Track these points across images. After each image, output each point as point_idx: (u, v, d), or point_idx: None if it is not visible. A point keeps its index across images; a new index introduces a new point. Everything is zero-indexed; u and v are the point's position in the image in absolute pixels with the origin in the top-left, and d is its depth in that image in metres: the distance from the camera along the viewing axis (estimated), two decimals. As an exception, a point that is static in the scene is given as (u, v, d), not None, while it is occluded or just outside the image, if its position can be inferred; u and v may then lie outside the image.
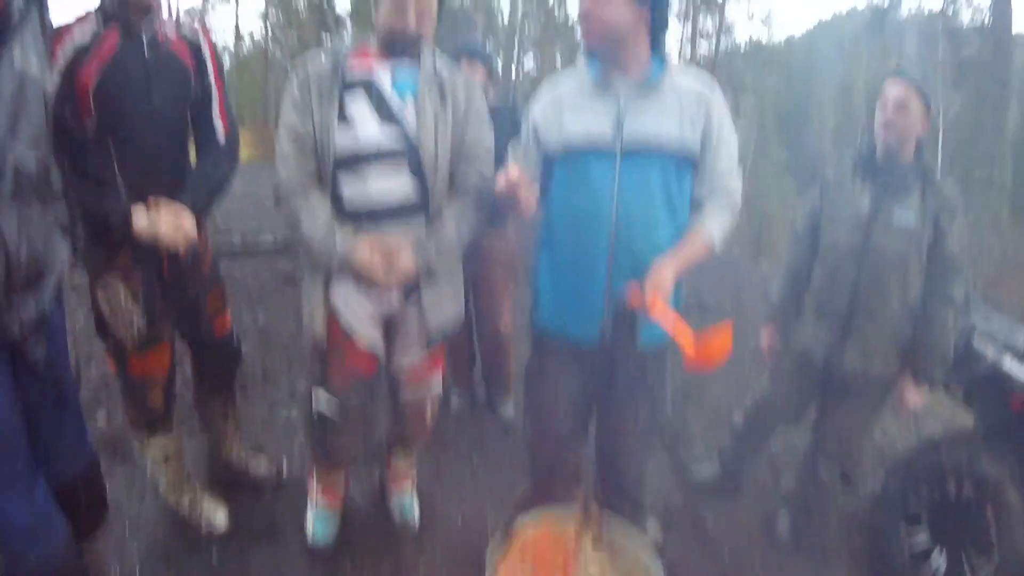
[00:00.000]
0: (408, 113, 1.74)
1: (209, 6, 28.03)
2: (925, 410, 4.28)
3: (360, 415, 1.97)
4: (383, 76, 1.76)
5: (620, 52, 1.63)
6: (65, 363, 1.46)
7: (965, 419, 2.64)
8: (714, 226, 1.72)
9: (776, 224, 23.60)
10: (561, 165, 1.72)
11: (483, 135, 1.85)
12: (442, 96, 1.78)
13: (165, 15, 1.85)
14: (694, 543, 2.47)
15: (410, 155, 1.74)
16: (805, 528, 2.56)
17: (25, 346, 1.24)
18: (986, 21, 15.62)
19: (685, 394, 3.74)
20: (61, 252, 1.34)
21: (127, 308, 1.84)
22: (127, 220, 1.70)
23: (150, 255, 1.84)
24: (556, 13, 27.20)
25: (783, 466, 3.12)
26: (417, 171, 1.75)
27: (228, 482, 2.42)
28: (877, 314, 2.20)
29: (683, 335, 1.45)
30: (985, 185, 13.94)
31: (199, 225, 1.85)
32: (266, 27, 30.45)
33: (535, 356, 1.92)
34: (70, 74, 1.68)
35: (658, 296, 1.49)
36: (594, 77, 1.68)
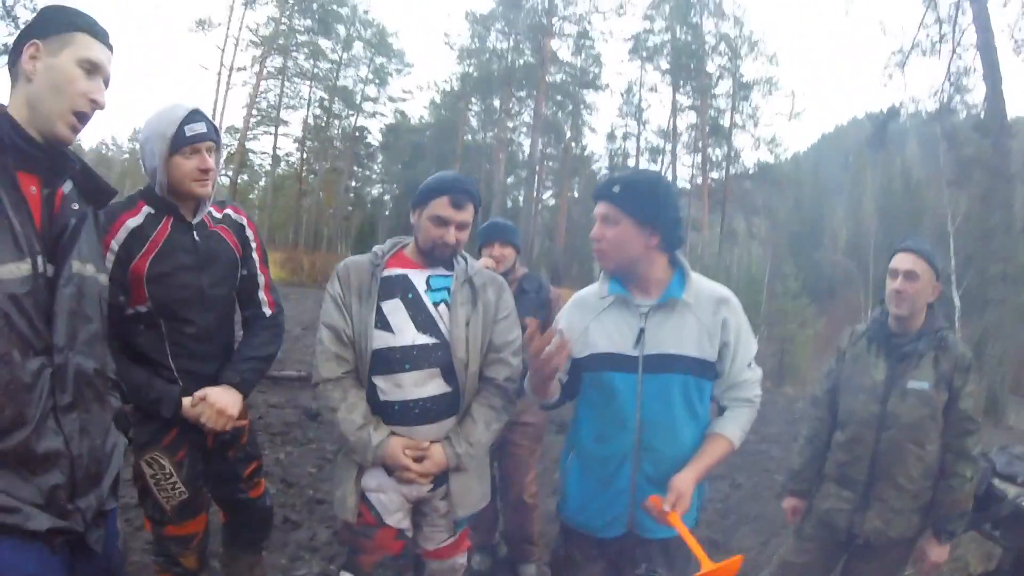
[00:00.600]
0: (442, 318, 1.85)
1: (250, 133, 30.29)
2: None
3: None
4: (419, 282, 1.88)
5: (635, 273, 1.71)
6: (115, 541, 1.45)
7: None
8: (733, 428, 1.78)
9: (796, 345, 23.34)
10: (587, 372, 1.76)
11: (511, 333, 1.94)
12: (473, 300, 1.89)
13: (211, 204, 1.95)
14: None
15: (443, 358, 1.83)
16: None
17: (86, 537, 1.25)
18: (982, 115, 16.09)
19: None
20: (119, 446, 1.39)
21: (170, 482, 1.88)
22: (178, 406, 1.79)
23: (196, 433, 1.90)
24: (574, 146, 28.91)
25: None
26: (449, 373, 1.83)
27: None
28: (897, 479, 2.20)
29: (697, 551, 1.50)
30: (1001, 282, 13.84)
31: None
32: (303, 152, 32.57)
33: (563, 543, 1.92)
34: (124, 261, 1.76)
35: (679, 507, 1.56)
36: (615, 296, 1.74)
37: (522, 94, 28.13)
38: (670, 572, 1.80)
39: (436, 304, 1.87)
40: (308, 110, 31.58)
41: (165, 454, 1.87)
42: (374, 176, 35.94)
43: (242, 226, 2.02)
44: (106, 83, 1.31)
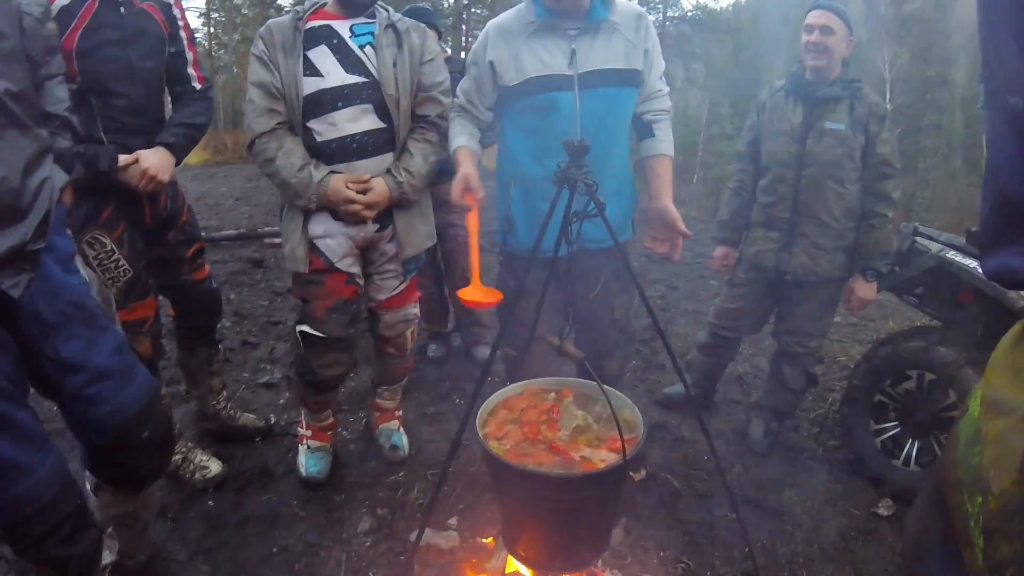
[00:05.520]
0: (369, 59, 1.89)
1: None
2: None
3: (342, 330, 2.03)
4: (343, 29, 1.92)
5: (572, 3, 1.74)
6: (86, 298, 1.37)
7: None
8: (668, 144, 1.94)
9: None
10: (522, 100, 1.81)
11: (438, 75, 2.01)
12: (398, 42, 1.93)
13: None
14: (672, 452, 2.59)
15: (374, 95, 1.89)
16: (777, 432, 2.71)
17: None
18: None
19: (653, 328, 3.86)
20: (51, 182, 1.27)
21: (113, 260, 1.89)
22: (114, 160, 1.78)
23: (132, 206, 1.92)
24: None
25: (752, 387, 3.28)
26: (381, 109, 1.91)
27: (218, 437, 2.47)
28: (819, 216, 2.38)
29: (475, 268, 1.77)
30: (935, 132, 14.50)
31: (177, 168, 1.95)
32: (209, 27, 29.58)
33: (511, 274, 1.99)
34: None
35: (681, 226, 1.79)
36: (544, 22, 1.77)
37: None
38: (617, 281, 1.95)
39: (362, 47, 1.90)
40: (209, -24, 28.33)
41: (104, 232, 1.89)
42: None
43: (168, 4, 2.02)
44: None
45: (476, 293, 1.75)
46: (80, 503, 1.38)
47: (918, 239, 2.44)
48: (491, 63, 1.80)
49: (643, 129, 1.95)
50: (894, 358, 2.44)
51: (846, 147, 2.32)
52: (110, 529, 1.69)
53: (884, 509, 2.31)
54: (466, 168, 1.73)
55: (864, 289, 2.41)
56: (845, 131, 2.32)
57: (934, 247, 2.37)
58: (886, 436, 2.51)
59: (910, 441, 2.44)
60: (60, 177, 1.35)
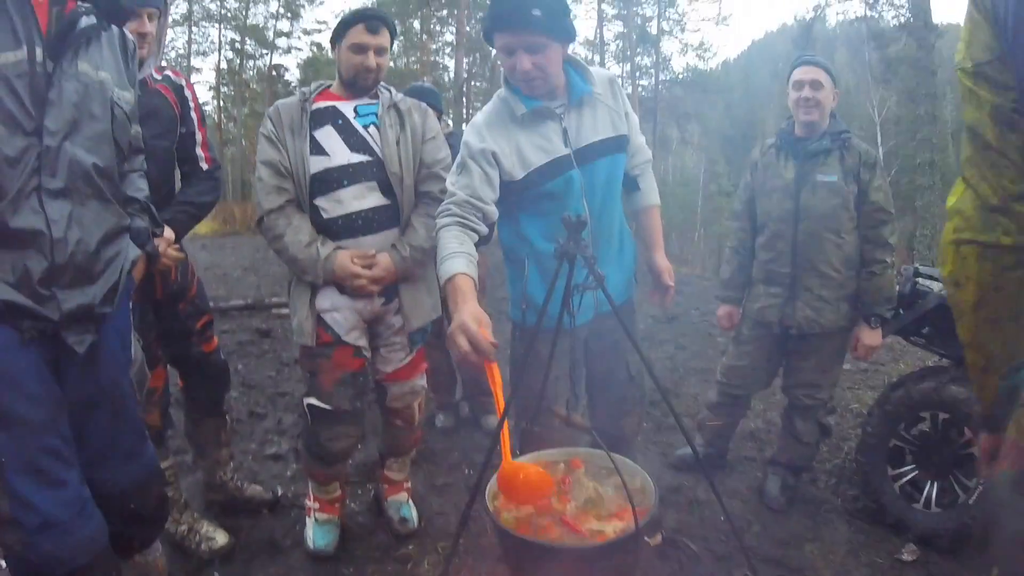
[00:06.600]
0: (373, 138, 1.97)
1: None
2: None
3: (350, 403, 2.03)
4: (347, 110, 2.00)
5: (552, 87, 1.74)
6: (124, 374, 1.48)
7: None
8: (655, 194, 2.04)
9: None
10: (532, 190, 1.76)
11: (439, 151, 2.08)
12: (401, 122, 2.02)
13: (155, 65, 2.04)
14: (689, 515, 2.53)
15: (378, 173, 1.96)
16: (794, 487, 2.65)
17: (64, 336, 1.27)
18: (908, 18, 16.81)
19: (663, 391, 3.84)
20: (124, 257, 1.40)
21: None
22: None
23: (143, 283, 1.92)
24: (501, 65, 28.08)
25: (766, 443, 3.23)
26: (386, 187, 1.97)
27: (225, 508, 2.43)
28: (819, 267, 2.41)
29: (504, 447, 1.36)
30: (929, 169, 14.72)
31: (183, 249, 2.00)
32: (218, 100, 30.74)
33: (525, 346, 1.88)
34: None
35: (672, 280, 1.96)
36: (533, 109, 1.72)
37: (443, 14, 27.03)
38: (622, 342, 1.91)
39: (366, 127, 1.98)
40: (219, 54, 29.58)
41: None
42: (297, 116, 34.04)
43: (181, 87, 2.09)
44: None
45: (517, 479, 1.31)
46: (115, 574, 1.39)
47: (919, 280, 2.46)
48: (494, 154, 1.70)
49: (629, 183, 1.99)
50: (907, 401, 2.41)
51: (840, 198, 2.37)
52: None
53: (908, 555, 2.24)
54: (472, 308, 1.40)
55: (870, 336, 2.41)
56: (837, 182, 2.37)
57: (936, 286, 2.39)
58: (904, 480, 2.46)
59: (929, 483, 2.39)
60: (132, 252, 1.47)
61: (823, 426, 2.61)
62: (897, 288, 2.44)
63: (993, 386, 0.96)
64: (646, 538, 2.21)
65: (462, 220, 1.62)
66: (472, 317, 1.35)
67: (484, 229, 1.67)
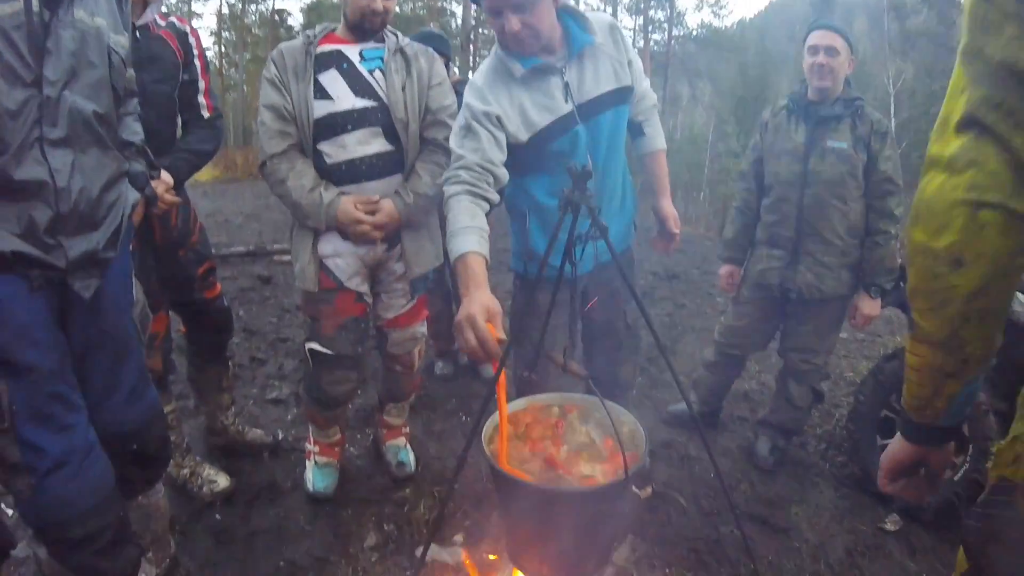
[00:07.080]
0: (378, 83, 1.93)
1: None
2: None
3: (351, 347, 2.06)
4: (353, 54, 1.95)
5: (547, 42, 1.65)
6: (126, 317, 1.50)
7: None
8: (661, 139, 2.03)
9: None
10: (538, 150, 1.73)
11: (445, 98, 2.04)
12: (407, 67, 1.97)
13: (158, 11, 1.99)
14: (679, 469, 2.59)
15: (383, 119, 1.92)
16: (784, 449, 2.71)
17: (70, 282, 1.28)
18: None
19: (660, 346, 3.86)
20: (124, 200, 1.41)
21: None
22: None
23: (142, 224, 1.92)
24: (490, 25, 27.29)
25: (759, 404, 3.27)
26: (390, 133, 1.94)
27: (227, 452, 2.49)
28: (823, 233, 2.40)
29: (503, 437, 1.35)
30: None
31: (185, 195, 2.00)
32: (220, 45, 30.07)
33: (525, 296, 1.95)
34: None
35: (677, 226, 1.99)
36: (532, 68, 1.65)
37: (452, -41, 26.26)
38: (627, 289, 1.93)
39: (371, 71, 1.94)
40: (220, -2, 28.94)
41: None
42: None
43: (185, 33, 2.06)
44: None
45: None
46: (122, 516, 1.44)
47: None
48: (498, 117, 1.64)
49: (634, 129, 1.97)
50: (900, 373, 2.43)
51: (848, 165, 2.35)
52: (150, 553, 1.72)
53: (891, 525, 2.30)
54: (483, 297, 1.30)
55: (869, 306, 2.43)
56: (847, 150, 2.35)
57: None
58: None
59: None
60: (132, 196, 1.48)
61: (816, 391, 2.64)
62: (899, 260, 2.44)
63: (951, 393, 0.82)
64: (636, 490, 2.29)
65: (473, 188, 1.55)
66: (482, 309, 1.26)
67: (495, 197, 1.60)
